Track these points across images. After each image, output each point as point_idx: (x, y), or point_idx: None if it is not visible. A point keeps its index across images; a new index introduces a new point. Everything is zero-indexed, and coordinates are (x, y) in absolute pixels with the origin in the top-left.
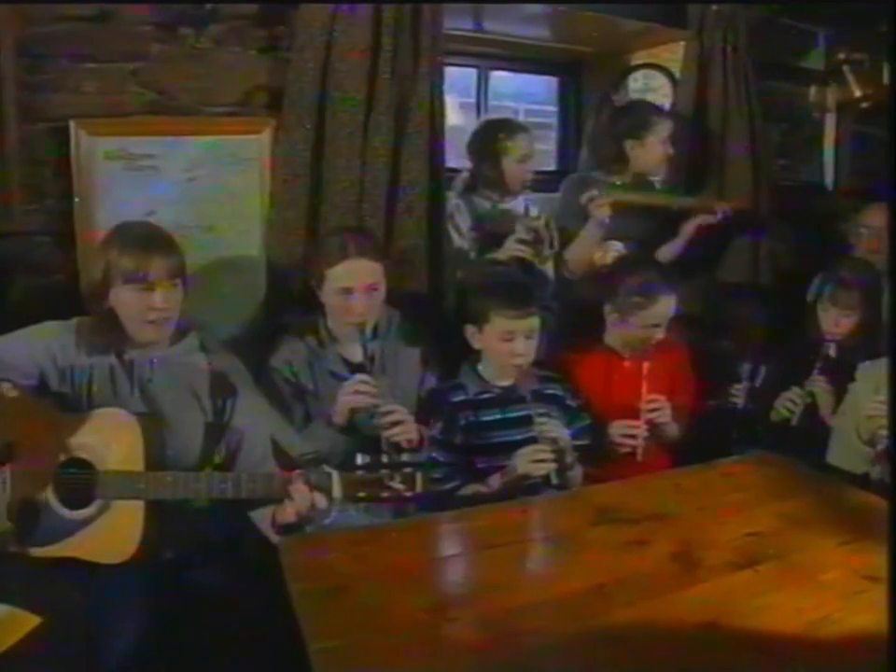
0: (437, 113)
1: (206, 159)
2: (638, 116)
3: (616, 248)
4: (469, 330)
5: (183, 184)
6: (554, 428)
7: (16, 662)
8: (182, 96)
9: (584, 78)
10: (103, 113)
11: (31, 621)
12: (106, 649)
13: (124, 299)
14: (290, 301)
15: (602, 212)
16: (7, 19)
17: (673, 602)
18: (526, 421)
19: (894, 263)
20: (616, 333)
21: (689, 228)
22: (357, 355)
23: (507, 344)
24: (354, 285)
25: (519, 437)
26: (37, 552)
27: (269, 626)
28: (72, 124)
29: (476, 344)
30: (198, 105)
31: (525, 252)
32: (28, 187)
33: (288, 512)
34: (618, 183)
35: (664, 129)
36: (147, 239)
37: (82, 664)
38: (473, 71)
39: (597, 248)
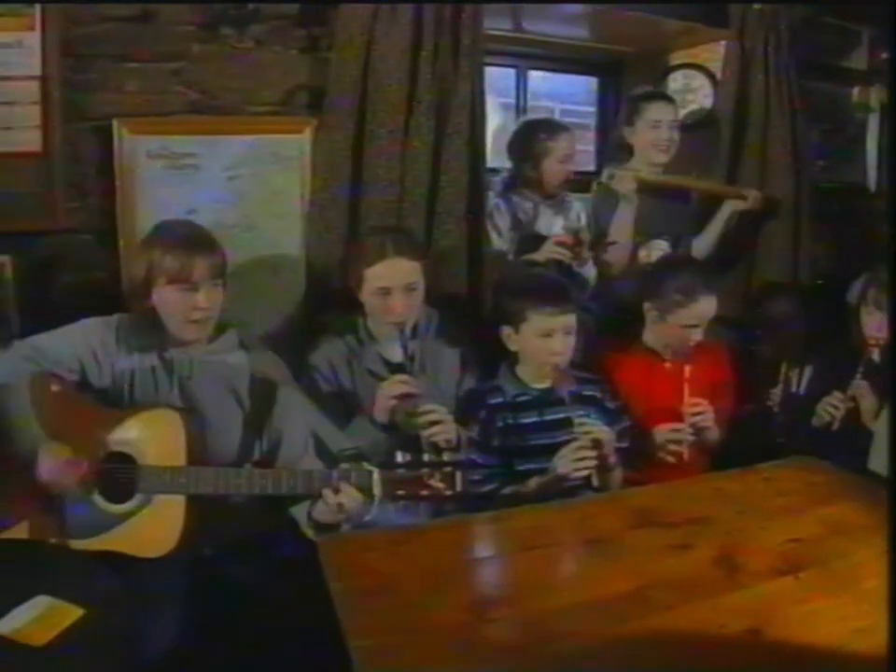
0: (477, 113)
1: (247, 158)
2: (631, 103)
3: (661, 248)
4: (506, 332)
5: (224, 183)
6: (596, 428)
7: (59, 653)
8: (223, 96)
9: (624, 79)
10: (145, 112)
11: (73, 613)
12: (144, 643)
13: (167, 299)
14: (330, 300)
15: (625, 185)
16: (53, 20)
17: (714, 607)
18: (564, 423)
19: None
20: (655, 332)
21: (721, 216)
22: (396, 354)
23: (545, 342)
24: (392, 284)
25: (557, 439)
26: (78, 544)
27: (308, 624)
28: (115, 123)
29: (513, 346)
30: (239, 104)
31: (563, 255)
32: (71, 185)
33: (330, 509)
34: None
35: (652, 112)
36: (190, 239)
37: (123, 657)
38: (510, 71)
39: (632, 236)
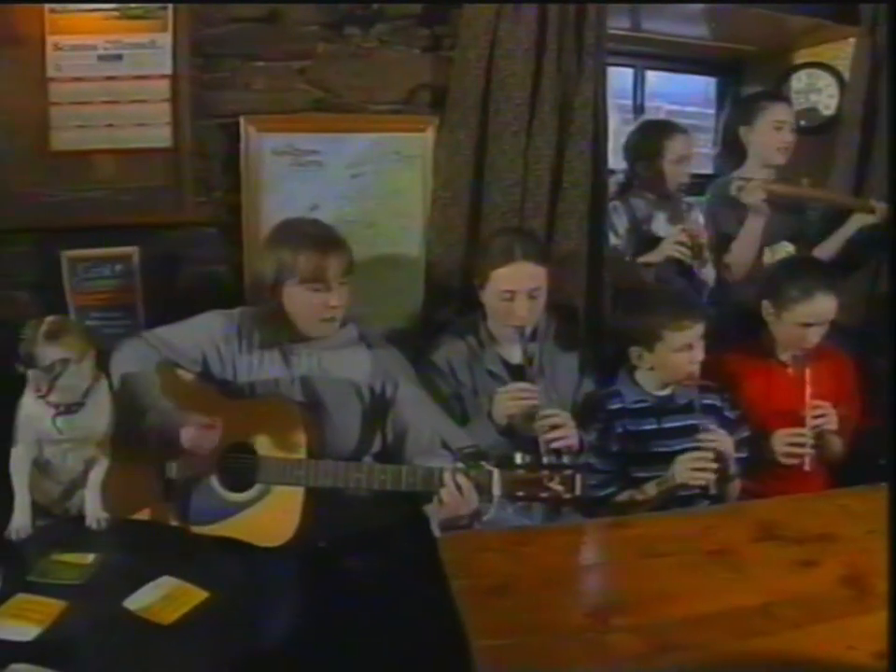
0: (600, 113)
1: (370, 156)
2: (749, 102)
3: (786, 249)
4: (635, 353)
5: (347, 180)
6: (718, 438)
7: (185, 632)
8: (347, 94)
9: (744, 79)
10: (271, 110)
11: (198, 595)
12: (261, 630)
13: (299, 298)
14: (448, 300)
15: (755, 197)
16: (184, 21)
17: (844, 628)
18: (684, 432)
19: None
20: (774, 334)
21: (847, 229)
22: (515, 356)
23: (685, 354)
24: (518, 288)
25: (677, 447)
26: (199, 530)
27: (424, 621)
28: (241, 120)
29: (645, 365)
30: (363, 102)
31: (683, 254)
32: (199, 180)
33: (444, 506)
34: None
35: (775, 113)
36: (322, 239)
37: (244, 641)
38: (626, 70)
39: (759, 246)
